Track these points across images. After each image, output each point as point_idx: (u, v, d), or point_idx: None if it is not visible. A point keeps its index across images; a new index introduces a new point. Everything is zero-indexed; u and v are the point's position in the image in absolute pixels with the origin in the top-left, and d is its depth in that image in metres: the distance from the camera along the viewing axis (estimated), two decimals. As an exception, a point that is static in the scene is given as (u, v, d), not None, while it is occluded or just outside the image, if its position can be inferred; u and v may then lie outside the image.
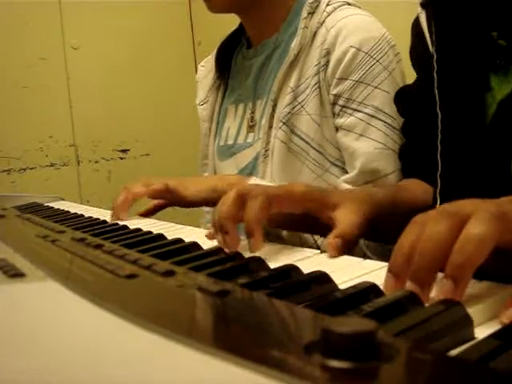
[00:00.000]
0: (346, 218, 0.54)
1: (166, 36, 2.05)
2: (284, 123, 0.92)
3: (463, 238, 0.34)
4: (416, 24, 0.75)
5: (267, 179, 0.94)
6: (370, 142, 0.87)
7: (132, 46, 1.98)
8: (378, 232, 0.61)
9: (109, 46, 1.95)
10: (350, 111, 0.88)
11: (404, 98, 0.82)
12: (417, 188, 0.75)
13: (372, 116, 0.87)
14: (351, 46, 0.88)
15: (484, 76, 0.59)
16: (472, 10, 0.62)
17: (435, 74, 0.65)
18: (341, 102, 0.89)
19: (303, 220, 0.57)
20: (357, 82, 0.87)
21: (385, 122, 0.87)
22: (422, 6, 0.73)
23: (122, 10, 1.98)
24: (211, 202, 0.85)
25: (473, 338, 0.30)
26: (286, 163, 0.93)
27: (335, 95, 0.89)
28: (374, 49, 0.88)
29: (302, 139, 0.92)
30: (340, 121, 0.89)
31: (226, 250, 0.51)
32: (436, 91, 0.65)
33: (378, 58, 0.88)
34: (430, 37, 0.69)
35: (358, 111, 0.87)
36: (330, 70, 0.89)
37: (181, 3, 2.10)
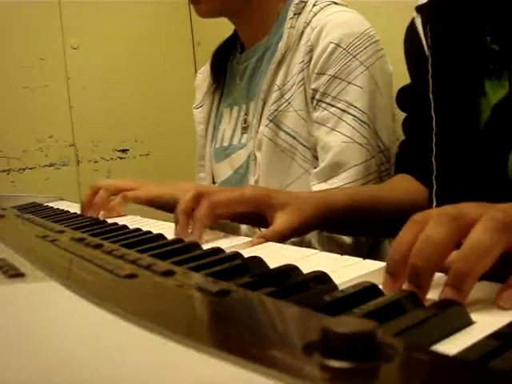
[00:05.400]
0: (280, 221, 0.62)
1: (166, 36, 2.05)
2: (270, 121, 0.94)
3: (468, 246, 0.33)
4: (411, 28, 0.75)
5: (257, 176, 0.96)
6: (339, 135, 0.88)
7: (132, 45, 1.98)
8: (334, 226, 0.75)
9: (108, 46, 1.94)
10: (324, 105, 0.89)
11: (405, 97, 0.82)
12: (400, 187, 0.79)
13: (343, 111, 0.88)
14: (331, 42, 0.89)
15: (478, 81, 0.60)
16: (467, 15, 0.62)
17: (430, 78, 0.65)
18: (317, 96, 0.90)
19: (253, 217, 0.66)
20: (332, 76, 0.89)
21: (354, 117, 0.88)
22: (418, 10, 0.73)
23: (121, 10, 1.97)
24: (169, 208, 0.93)
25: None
26: (273, 159, 0.94)
27: (313, 89, 0.90)
28: (352, 44, 0.89)
29: (290, 135, 0.93)
30: (315, 114, 0.91)
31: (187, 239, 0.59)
32: (431, 95, 0.65)
33: (355, 54, 0.89)
34: (426, 41, 0.70)
35: (332, 106, 0.89)
36: (311, 65, 0.91)
37: (181, 3, 2.10)
